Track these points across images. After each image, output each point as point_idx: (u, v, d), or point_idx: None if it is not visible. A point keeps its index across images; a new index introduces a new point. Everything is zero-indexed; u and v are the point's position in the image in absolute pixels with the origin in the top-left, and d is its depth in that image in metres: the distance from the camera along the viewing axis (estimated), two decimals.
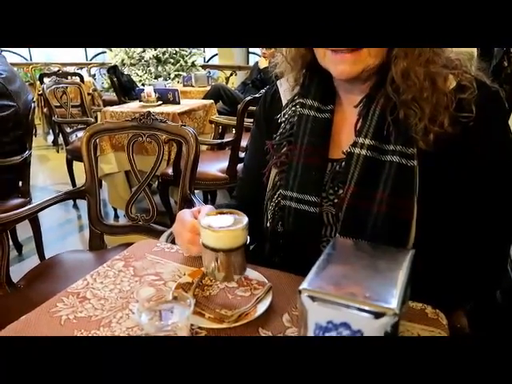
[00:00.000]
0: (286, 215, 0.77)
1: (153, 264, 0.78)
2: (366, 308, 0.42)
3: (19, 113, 1.91)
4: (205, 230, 0.62)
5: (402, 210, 0.68)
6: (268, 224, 0.81)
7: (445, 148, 0.66)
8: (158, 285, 0.71)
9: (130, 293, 0.69)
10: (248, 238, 0.63)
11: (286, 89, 0.84)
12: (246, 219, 0.63)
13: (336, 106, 0.78)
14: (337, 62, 0.67)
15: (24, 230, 1.96)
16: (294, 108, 0.80)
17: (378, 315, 0.42)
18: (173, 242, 0.98)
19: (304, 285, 0.46)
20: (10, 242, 1.24)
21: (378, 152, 0.70)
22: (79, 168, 2.41)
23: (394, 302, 0.42)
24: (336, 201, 0.74)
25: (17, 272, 1.27)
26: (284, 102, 0.83)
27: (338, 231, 0.73)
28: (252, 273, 0.72)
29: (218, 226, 0.62)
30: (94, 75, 6.40)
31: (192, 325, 0.59)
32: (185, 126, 1.38)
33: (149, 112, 1.38)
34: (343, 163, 0.73)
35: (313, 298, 0.45)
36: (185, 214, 0.73)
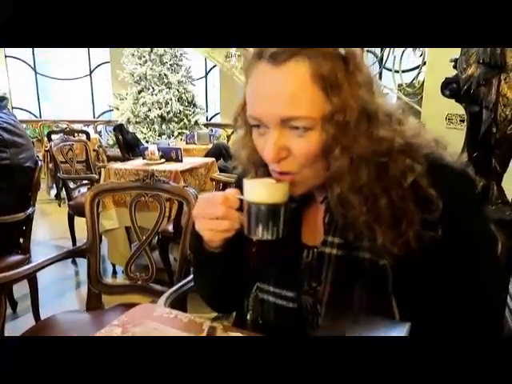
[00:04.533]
0: (265, 309, 0.76)
1: (152, 330, 0.77)
2: None
3: (11, 166, 1.87)
4: (252, 183, 0.64)
5: (380, 308, 0.65)
6: (248, 316, 0.79)
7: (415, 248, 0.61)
8: None
9: None
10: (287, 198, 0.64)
11: None
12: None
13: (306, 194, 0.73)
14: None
15: (20, 286, 1.93)
16: None
17: None
18: (171, 306, 0.97)
19: None
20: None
21: (348, 250, 0.67)
22: (80, 223, 2.42)
23: None
24: (313, 292, 0.71)
25: (11, 330, 1.24)
26: None
27: (320, 324, 0.70)
28: None
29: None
30: (100, 132, 6.63)
31: None
32: (187, 186, 1.42)
33: (152, 173, 1.43)
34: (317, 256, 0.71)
35: None
36: (210, 194, 0.70)
